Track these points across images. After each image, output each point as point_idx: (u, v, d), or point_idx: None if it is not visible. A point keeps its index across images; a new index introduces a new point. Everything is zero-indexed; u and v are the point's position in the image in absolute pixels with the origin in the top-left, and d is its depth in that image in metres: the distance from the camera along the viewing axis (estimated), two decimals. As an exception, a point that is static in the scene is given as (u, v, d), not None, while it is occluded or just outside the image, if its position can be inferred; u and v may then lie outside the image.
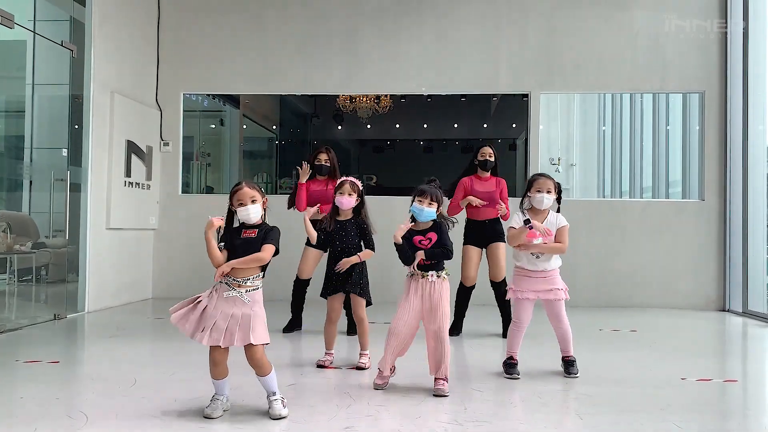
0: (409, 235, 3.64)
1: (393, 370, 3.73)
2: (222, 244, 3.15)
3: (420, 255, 3.59)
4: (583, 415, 3.22)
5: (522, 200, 4.08)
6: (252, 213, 3.10)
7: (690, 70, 7.67)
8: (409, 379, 3.79)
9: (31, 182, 8.03)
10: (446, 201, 4.18)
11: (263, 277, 3.16)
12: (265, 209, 3.19)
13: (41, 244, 7.72)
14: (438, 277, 3.60)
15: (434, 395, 3.51)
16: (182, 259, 7.93)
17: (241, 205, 3.10)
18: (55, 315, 6.12)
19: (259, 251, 3.05)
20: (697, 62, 7.66)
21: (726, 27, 7.55)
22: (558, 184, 4.05)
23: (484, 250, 5.47)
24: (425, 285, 3.60)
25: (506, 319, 5.48)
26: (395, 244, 3.62)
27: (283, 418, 3.06)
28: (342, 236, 4.16)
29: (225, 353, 3.08)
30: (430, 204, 3.62)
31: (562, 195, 4.08)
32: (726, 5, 7.57)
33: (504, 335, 5.44)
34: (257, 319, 3.05)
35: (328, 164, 5.50)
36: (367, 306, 4.29)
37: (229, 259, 3.10)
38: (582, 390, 3.73)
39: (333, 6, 8.03)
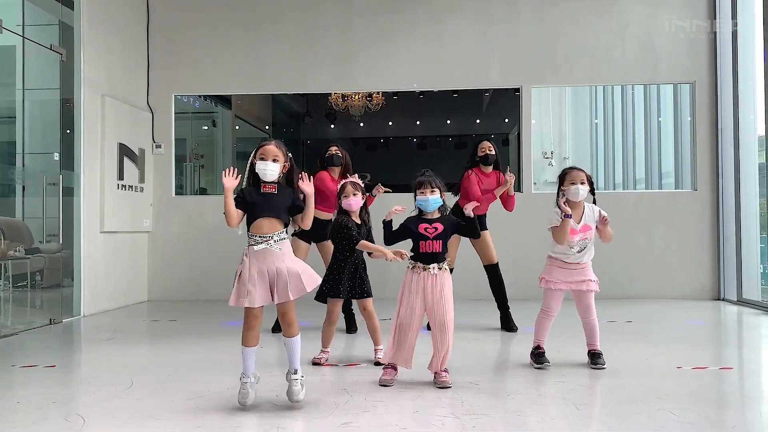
0: (416, 222, 3.67)
1: (395, 371, 3.73)
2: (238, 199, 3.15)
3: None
4: (580, 406, 3.24)
5: (557, 196, 4.03)
6: (269, 170, 3.11)
7: (680, 61, 7.69)
8: (406, 373, 3.79)
9: (23, 187, 8.01)
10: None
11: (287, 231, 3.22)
12: (284, 173, 3.20)
13: (35, 250, 7.69)
14: (440, 269, 3.61)
15: (438, 387, 3.54)
16: (177, 261, 7.92)
17: (263, 159, 3.12)
18: (50, 320, 6.10)
19: (281, 207, 3.12)
20: (687, 52, 7.67)
21: (715, 16, 7.56)
22: (589, 176, 4.03)
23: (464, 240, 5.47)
24: (427, 278, 3.59)
25: (503, 308, 5.48)
26: (384, 221, 3.72)
27: (299, 401, 3.14)
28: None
29: (259, 317, 3.13)
30: (432, 192, 3.63)
31: (594, 188, 4.05)
32: (715, -5, 7.59)
33: (503, 326, 5.45)
34: (291, 271, 3.09)
35: (340, 154, 5.27)
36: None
37: (248, 216, 3.14)
38: (578, 381, 3.74)
39: (324, 4, 8.02)
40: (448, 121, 14.95)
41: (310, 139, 15.62)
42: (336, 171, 5.30)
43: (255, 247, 3.09)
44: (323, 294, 4.22)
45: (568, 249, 3.95)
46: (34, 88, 8.39)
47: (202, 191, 10.98)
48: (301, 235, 5.23)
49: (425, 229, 3.64)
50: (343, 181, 4.21)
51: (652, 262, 7.57)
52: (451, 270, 5.40)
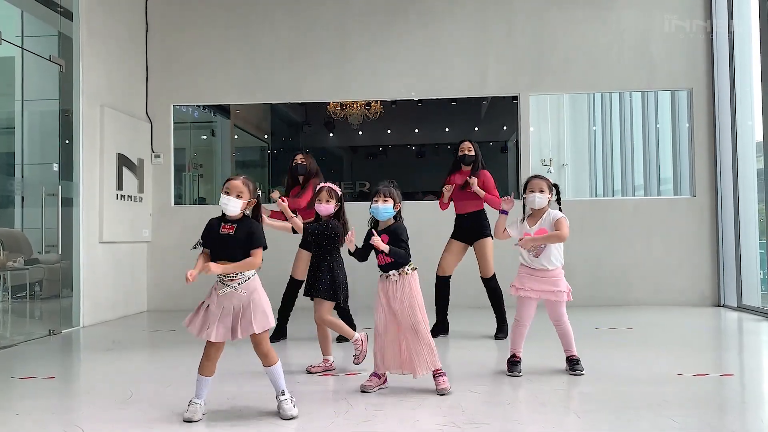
0: (369, 235, 3.72)
1: (384, 380, 3.73)
2: (200, 240, 3.21)
3: (377, 242, 3.55)
4: (581, 414, 3.23)
5: (523, 204, 4.13)
6: (230, 206, 3.15)
7: (677, 67, 7.71)
8: (405, 382, 3.78)
9: (22, 198, 8.00)
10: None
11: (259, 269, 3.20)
12: (248, 210, 3.23)
13: (34, 260, 7.68)
14: (400, 274, 3.65)
15: (438, 394, 3.54)
16: (177, 271, 7.87)
17: (227, 193, 3.16)
18: (50, 331, 6.08)
19: (237, 249, 3.10)
20: (684, 59, 7.70)
21: (712, 23, 7.60)
22: (555, 184, 4.08)
23: (471, 248, 5.48)
24: (389, 285, 3.67)
25: (500, 318, 5.48)
26: (349, 252, 3.76)
27: (294, 418, 3.11)
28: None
29: (219, 349, 3.18)
30: (385, 201, 3.66)
31: (560, 195, 4.10)
32: (711, 1, 7.62)
33: (497, 336, 5.44)
34: (257, 307, 3.12)
35: (304, 163, 5.41)
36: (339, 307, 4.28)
37: (212, 255, 3.15)
38: (580, 388, 3.73)
39: (320, 13, 8.06)
40: (447, 129, 14.97)
41: (309, 148, 15.61)
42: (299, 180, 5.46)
43: (220, 292, 3.13)
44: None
45: (529, 254, 4.00)
46: (33, 99, 8.41)
47: (201, 201, 10.97)
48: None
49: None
50: (321, 184, 4.11)
51: (652, 268, 7.56)
52: (448, 277, 5.45)
